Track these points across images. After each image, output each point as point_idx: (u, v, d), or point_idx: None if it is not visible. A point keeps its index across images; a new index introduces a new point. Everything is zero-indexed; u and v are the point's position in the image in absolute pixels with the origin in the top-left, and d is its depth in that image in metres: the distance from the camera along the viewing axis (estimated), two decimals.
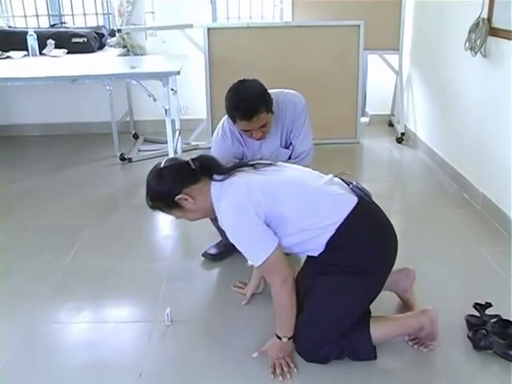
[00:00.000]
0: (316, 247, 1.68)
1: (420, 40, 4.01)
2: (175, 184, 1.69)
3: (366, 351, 1.72)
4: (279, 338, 1.71)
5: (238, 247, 1.66)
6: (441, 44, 3.47)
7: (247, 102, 1.97)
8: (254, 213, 1.59)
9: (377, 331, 1.71)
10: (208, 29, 3.85)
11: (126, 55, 4.27)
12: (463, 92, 3.13)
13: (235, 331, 1.93)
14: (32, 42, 3.96)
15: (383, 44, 4.13)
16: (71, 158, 3.96)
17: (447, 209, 2.93)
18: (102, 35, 4.35)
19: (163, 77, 3.35)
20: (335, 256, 1.66)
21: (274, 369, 1.70)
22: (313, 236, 1.65)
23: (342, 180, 1.79)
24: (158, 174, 1.71)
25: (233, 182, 1.67)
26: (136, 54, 4.29)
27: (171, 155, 3.37)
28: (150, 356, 1.81)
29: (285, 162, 1.99)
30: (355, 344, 1.70)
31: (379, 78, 4.54)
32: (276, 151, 2.25)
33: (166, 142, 3.45)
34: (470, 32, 2.84)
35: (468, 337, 1.82)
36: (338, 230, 1.63)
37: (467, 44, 2.88)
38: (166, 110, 3.37)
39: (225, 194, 1.65)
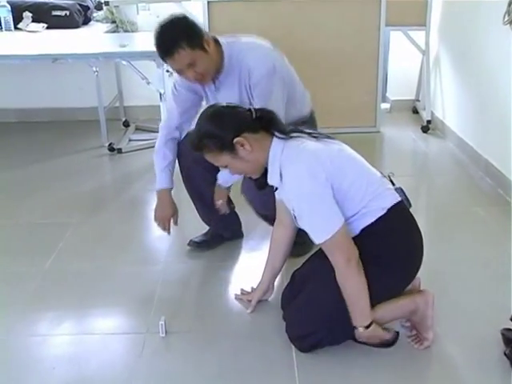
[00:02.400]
0: (353, 231, 1.76)
1: (450, 14, 3.97)
2: (235, 126, 1.76)
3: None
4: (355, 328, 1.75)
5: (303, 220, 1.72)
6: (475, 18, 3.44)
7: (163, 37, 2.02)
8: (326, 181, 1.67)
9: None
10: (208, 2, 3.83)
11: (114, 32, 4.26)
12: (500, 74, 3.10)
13: (239, 344, 1.92)
14: (5, 14, 3.95)
15: (408, 19, 4.09)
16: (53, 148, 3.96)
17: (479, 206, 2.91)
18: (87, 8, 4.34)
19: (157, 57, 3.32)
20: (366, 243, 1.73)
21: None
22: (357, 218, 1.75)
23: (390, 180, 1.93)
24: (217, 113, 1.80)
25: (297, 147, 1.74)
26: (126, 31, 4.27)
27: None
28: (142, 372, 1.80)
29: None
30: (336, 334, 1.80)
31: (403, 58, 4.52)
32: None
33: None
34: (510, 3, 2.80)
35: (505, 354, 1.80)
36: (380, 217, 1.75)
37: (506, 17, 2.83)
38: (160, 95, 3.36)
39: (291, 158, 1.72)
